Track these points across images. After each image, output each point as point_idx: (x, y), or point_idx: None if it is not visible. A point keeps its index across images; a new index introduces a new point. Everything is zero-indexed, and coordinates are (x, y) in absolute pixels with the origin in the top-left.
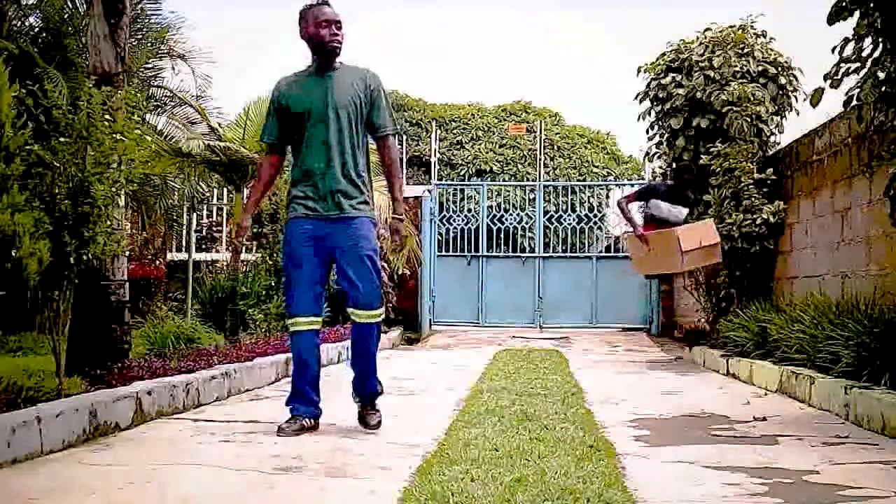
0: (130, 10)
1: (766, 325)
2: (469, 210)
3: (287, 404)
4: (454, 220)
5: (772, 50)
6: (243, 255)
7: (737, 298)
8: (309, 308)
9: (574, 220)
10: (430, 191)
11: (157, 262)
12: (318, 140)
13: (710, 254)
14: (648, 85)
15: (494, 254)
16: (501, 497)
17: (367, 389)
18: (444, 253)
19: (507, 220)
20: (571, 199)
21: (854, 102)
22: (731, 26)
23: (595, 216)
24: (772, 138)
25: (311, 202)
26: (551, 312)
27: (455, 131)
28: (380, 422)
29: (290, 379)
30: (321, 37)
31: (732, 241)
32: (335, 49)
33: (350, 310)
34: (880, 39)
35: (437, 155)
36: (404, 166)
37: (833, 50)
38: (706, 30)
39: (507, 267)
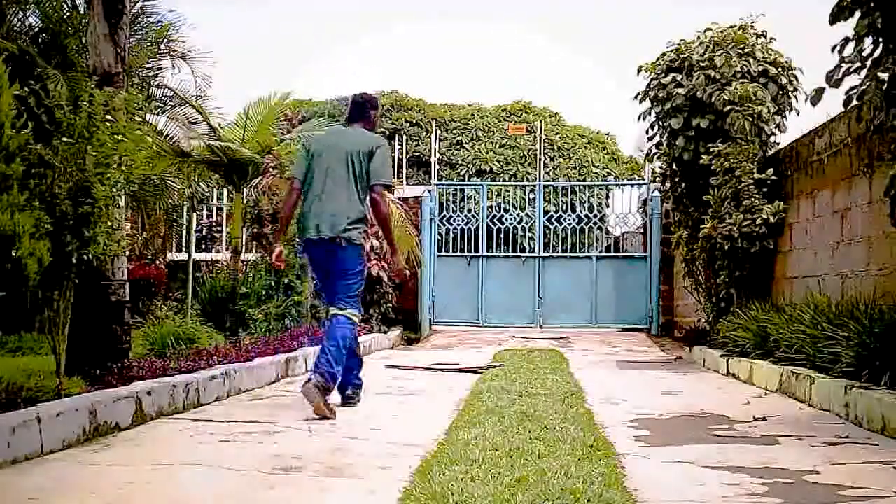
0: (130, 10)
1: (766, 325)
2: (469, 210)
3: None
4: (454, 220)
5: (772, 50)
6: (243, 255)
7: (737, 298)
8: None
9: (574, 220)
10: (430, 191)
11: (157, 262)
12: None
13: None
14: (649, 85)
15: (494, 254)
16: (501, 497)
17: None
18: (444, 253)
19: (507, 220)
20: (571, 199)
21: (854, 102)
22: (731, 26)
23: (595, 216)
24: (772, 138)
25: None
26: (551, 312)
27: (455, 131)
28: None
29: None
30: None
31: (732, 241)
32: None
33: None
34: (880, 39)
35: (437, 155)
36: (404, 166)
37: (833, 50)
38: (706, 30)
39: (507, 267)
